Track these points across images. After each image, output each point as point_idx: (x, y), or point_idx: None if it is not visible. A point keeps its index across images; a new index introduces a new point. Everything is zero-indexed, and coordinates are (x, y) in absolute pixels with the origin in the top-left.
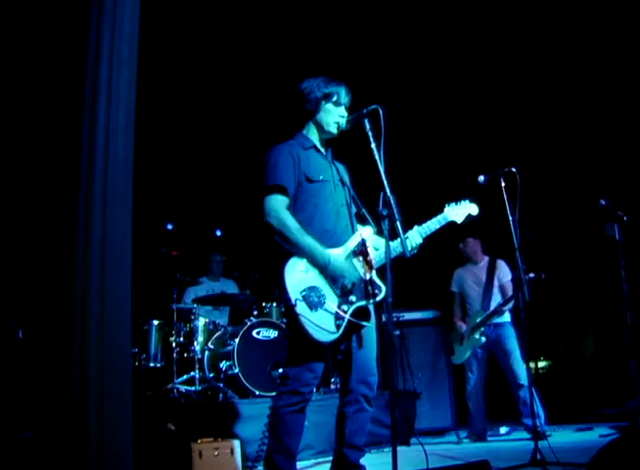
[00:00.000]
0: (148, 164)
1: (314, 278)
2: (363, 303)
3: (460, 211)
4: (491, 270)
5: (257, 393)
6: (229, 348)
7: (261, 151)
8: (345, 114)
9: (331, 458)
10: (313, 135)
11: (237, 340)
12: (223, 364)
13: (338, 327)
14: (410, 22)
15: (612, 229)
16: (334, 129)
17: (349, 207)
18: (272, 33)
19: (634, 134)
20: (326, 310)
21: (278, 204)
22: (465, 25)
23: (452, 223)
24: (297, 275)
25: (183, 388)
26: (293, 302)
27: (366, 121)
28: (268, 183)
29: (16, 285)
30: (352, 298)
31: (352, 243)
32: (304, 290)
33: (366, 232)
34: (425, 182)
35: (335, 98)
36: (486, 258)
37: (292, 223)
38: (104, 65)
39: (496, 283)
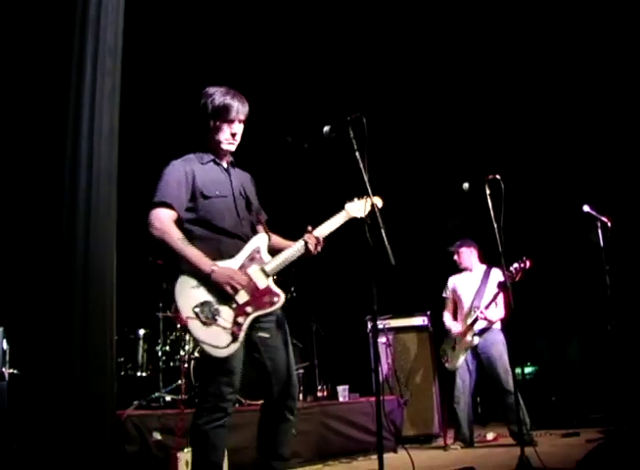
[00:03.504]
0: (135, 172)
1: (205, 293)
2: (260, 312)
3: (362, 206)
4: (486, 278)
5: (244, 401)
6: None
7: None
8: (240, 129)
9: (319, 466)
10: (212, 149)
11: None
12: None
13: (233, 342)
14: (394, 27)
15: (596, 235)
16: (227, 147)
17: (248, 219)
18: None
19: (620, 139)
20: (219, 326)
21: (162, 215)
22: (447, 32)
23: (363, 219)
24: (189, 291)
25: (169, 396)
26: (185, 320)
27: (350, 129)
28: (155, 199)
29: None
30: (248, 309)
31: (244, 253)
32: (197, 306)
33: (259, 241)
34: (408, 189)
35: (226, 115)
36: (483, 267)
37: (175, 233)
38: (87, 76)
39: (490, 288)
